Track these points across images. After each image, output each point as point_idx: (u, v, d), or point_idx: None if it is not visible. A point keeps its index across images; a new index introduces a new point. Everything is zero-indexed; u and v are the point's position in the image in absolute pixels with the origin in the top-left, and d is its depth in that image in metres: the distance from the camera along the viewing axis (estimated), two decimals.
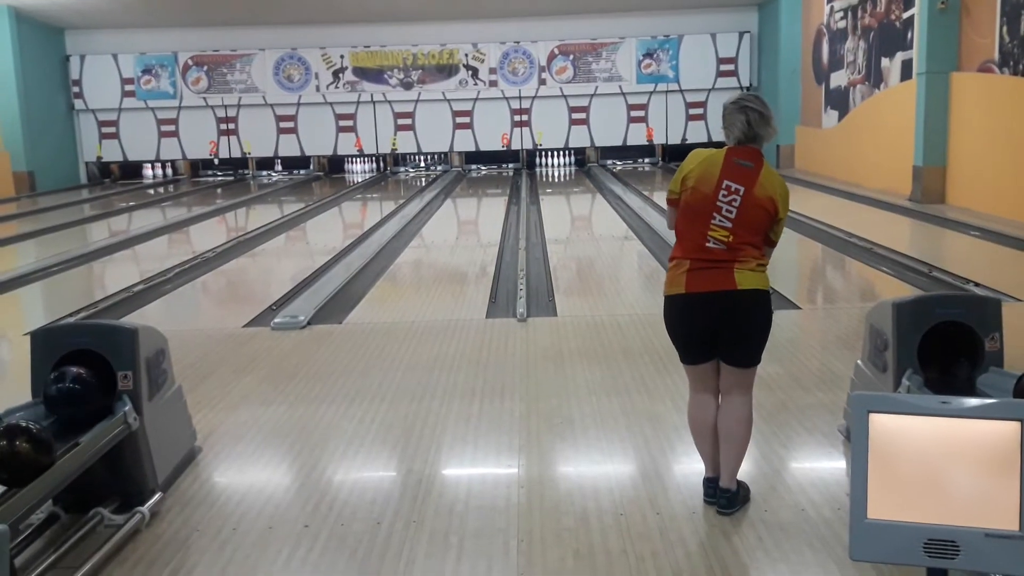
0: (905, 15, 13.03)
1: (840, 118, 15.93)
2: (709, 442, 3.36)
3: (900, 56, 13.27)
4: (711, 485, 3.36)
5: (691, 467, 3.75)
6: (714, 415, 3.33)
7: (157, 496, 3.46)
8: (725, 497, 3.28)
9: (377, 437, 4.24)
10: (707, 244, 3.16)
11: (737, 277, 3.14)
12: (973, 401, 1.92)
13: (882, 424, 1.93)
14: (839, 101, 16.01)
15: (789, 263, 9.30)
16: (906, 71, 12.98)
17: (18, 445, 2.73)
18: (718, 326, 3.21)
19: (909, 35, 12.83)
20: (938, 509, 1.88)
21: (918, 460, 1.90)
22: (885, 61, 13.91)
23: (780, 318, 6.31)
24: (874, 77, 14.40)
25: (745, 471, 3.50)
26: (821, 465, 3.85)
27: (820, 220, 10.63)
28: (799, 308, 6.69)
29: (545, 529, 3.25)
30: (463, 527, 3.28)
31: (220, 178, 21.00)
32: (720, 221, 3.15)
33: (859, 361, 4.04)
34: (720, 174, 3.18)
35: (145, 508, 3.33)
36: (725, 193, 3.15)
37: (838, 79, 16.09)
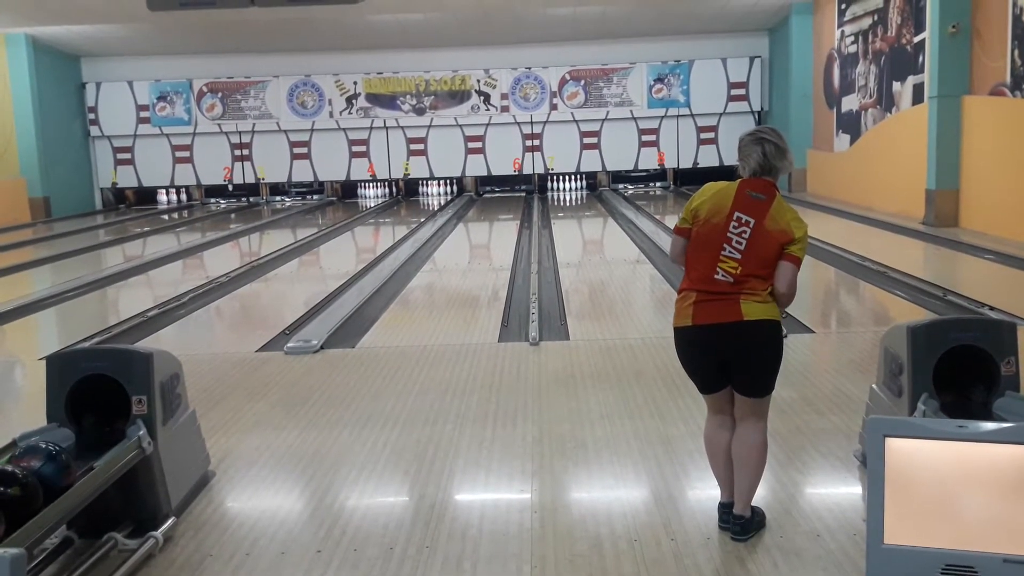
0: (916, 39, 13.06)
1: (852, 142, 15.93)
2: (723, 465, 3.34)
3: (912, 80, 13.29)
4: (726, 511, 3.33)
5: (705, 492, 3.72)
6: (729, 439, 3.31)
7: (171, 521, 3.46)
8: (739, 524, 3.26)
9: (390, 462, 4.23)
10: (715, 276, 3.15)
11: (744, 308, 3.12)
12: (990, 425, 1.92)
13: (898, 448, 1.93)
14: (851, 125, 16.02)
15: (802, 287, 9.23)
16: (918, 95, 12.99)
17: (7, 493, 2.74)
18: (727, 357, 3.21)
19: (920, 59, 12.85)
20: (955, 534, 1.86)
21: (935, 485, 1.89)
22: (896, 85, 13.92)
23: (794, 342, 6.30)
24: (886, 101, 14.41)
25: (760, 496, 3.48)
26: (837, 490, 3.82)
27: (833, 244, 10.60)
28: (813, 332, 6.66)
29: (559, 555, 3.23)
30: (476, 553, 3.26)
31: (231, 204, 21.11)
32: (730, 252, 3.14)
33: (874, 385, 4.01)
34: (732, 205, 3.18)
35: (159, 533, 3.33)
36: (736, 225, 3.15)
37: (849, 103, 16.10)
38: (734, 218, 3.15)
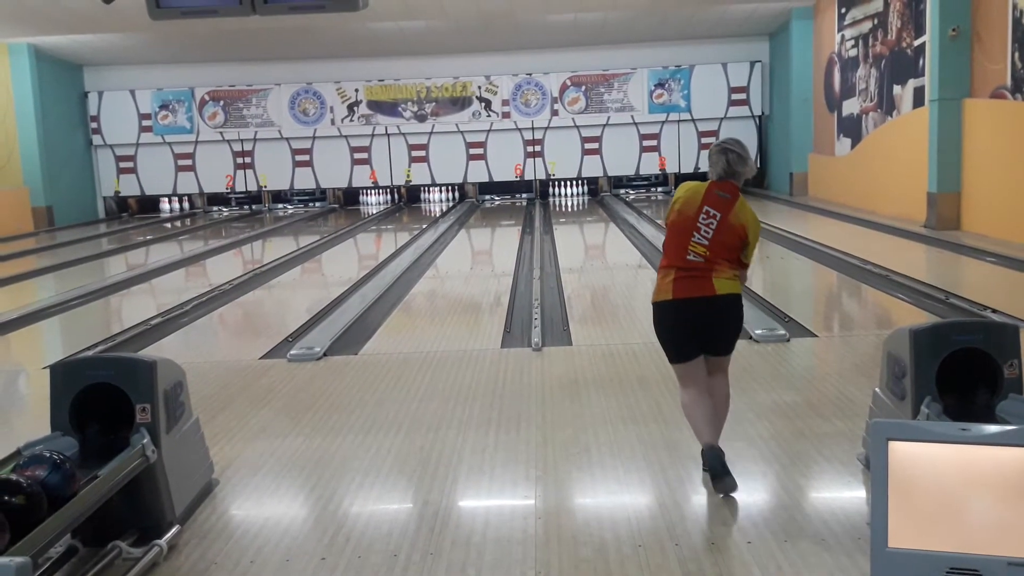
0: (916, 42, 13.07)
1: (853, 145, 15.94)
2: (704, 420, 3.83)
3: (912, 83, 13.30)
4: (711, 451, 3.75)
5: (710, 497, 3.73)
6: (705, 402, 3.84)
7: (175, 529, 3.47)
8: (718, 457, 3.72)
9: (393, 468, 4.24)
10: (688, 257, 3.75)
11: (715, 284, 3.73)
12: (993, 428, 1.92)
13: (902, 452, 1.93)
14: (852, 129, 16.03)
15: (805, 291, 9.28)
16: (918, 98, 13.00)
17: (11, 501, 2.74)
18: (701, 324, 3.80)
19: (921, 62, 12.87)
20: (959, 537, 1.87)
21: (938, 488, 1.89)
22: (897, 88, 13.93)
23: (796, 346, 6.30)
24: (886, 104, 14.42)
25: (764, 500, 3.52)
26: (840, 494, 3.82)
27: (835, 247, 10.61)
28: (816, 336, 6.66)
29: (563, 560, 3.23)
30: (480, 559, 3.26)
31: (233, 212, 21.15)
32: (699, 239, 3.74)
33: (877, 389, 4.01)
34: (702, 201, 3.78)
35: (163, 541, 3.33)
36: (704, 216, 3.75)
37: (850, 107, 16.12)
38: (703, 211, 3.75)
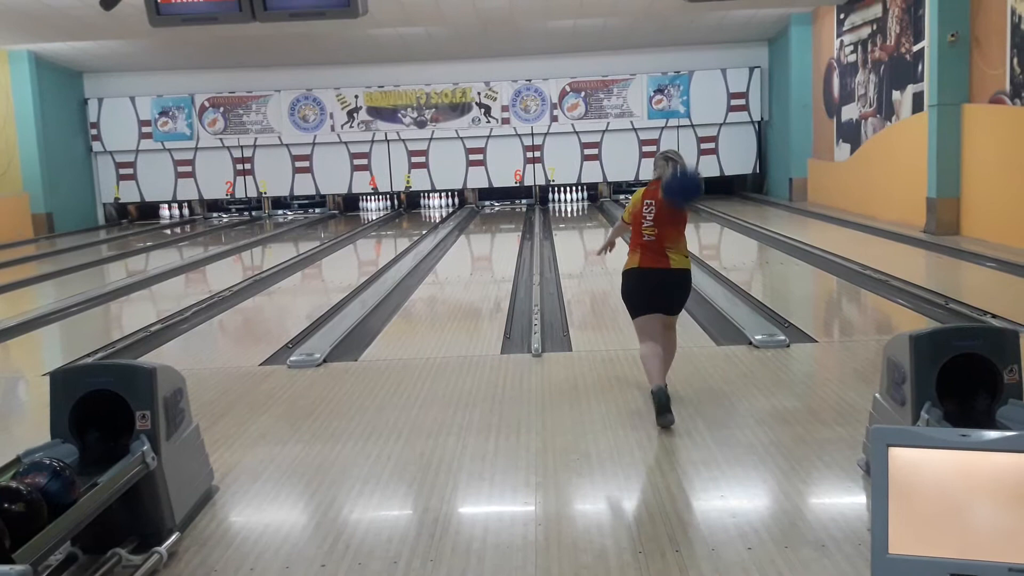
0: (915, 48, 13.10)
1: (852, 151, 15.96)
2: (655, 367, 4.84)
3: (911, 88, 13.32)
4: (660, 391, 4.71)
5: (710, 503, 3.73)
6: (659, 353, 4.90)
7: (175, 536, 3.46)
8: (665, 394, 4.70)
9: (393, 475, 4.23)
10: (644, 238, 4.98)
11: (671, 260, 4.94)
12: (993, 434, 1.92)
13: (902, 458, 1.93)
14: (851, 134, 16.05)
15: (805, 296, 9.28)
16: (917, 103, 13.02)
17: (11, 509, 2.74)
18: (657, 288, 4.98)
19: (920, 68, 12.89)
20: (960, 543, 1.86)
21: (939, 494, 1.89)
22: (896, 94, 13.96)
23: (796, 351, 6.30)
24: (885, 110, 14.44)
25: (764, 506, 3.53)
26: (841, 500, 3.81)
27: (834, 253, 10.61)
28: (815, 341, 6.66)
29: (563, 567, 3.23)
30: (480, 565, 3.26)
31: (233, 218, 21.18)
32: (647, 224, 4.96)
33: (877, 394, 4.01)
34: (643, 197, 5.05)
35: (163, 548, 3.33)
36: (645, 207, 4.99)
37: (849, 112, 16.14)
38: (644, 203, 5.01)
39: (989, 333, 3.78)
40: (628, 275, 5.08)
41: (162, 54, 18.90)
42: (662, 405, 4.64)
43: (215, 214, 21.53)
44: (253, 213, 21.45)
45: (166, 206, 21.74)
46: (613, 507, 3.79)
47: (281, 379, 6.11)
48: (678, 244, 4.98)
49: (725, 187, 20.74)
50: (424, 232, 16.28)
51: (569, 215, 19.29)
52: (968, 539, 1.86)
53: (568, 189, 21.29)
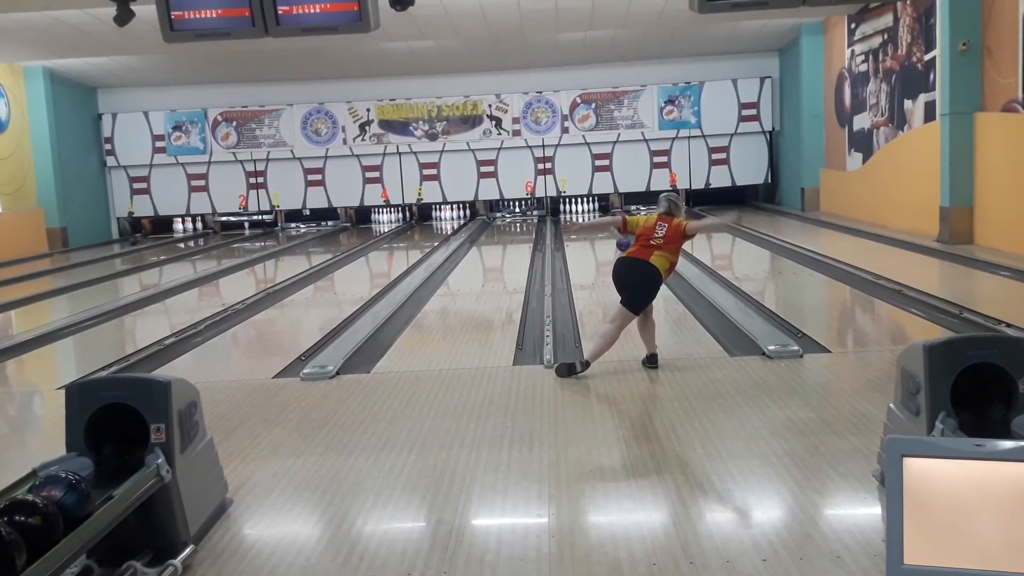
0: (927, 57, 13.07)
1: (864, 160, 15.92)
2: (644, 339, 6.21)
3: (923, 98, 13.29)
4: (652, 355, 6.19)
5: (724, 515, 3.72)
6: (643, 325, 6.20)
7: (189, 549, 3.47)
8: (655, 359, 6.17)
9: (407, 487, 4.23)
10: (651, 241, 5.98)
11: (651, 257, 5.95)
12: (1008, 444, 1.91)
13: (917, 468, 1.92)
14: (863, 143, 16.01)
15: (818, 306, 9.25)
16: (929, 112, 12.99)
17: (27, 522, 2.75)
18: (626, 274, 6.09)
19: (931, 76, 12.86)
20: (976, 554, 1.85)
21: (954, 504, 1.88)
22: (908, 103, 13.93)
23: (810, 362, 6.28)
24: (897, 119, 14.41)
25: (779, 517, 3.52)
26: (856, 511, 3.80)
27: (847, 263, 10.58)
28: (829, 352, 6.63)
29: None
30: None
31: (248, 231, 21.28)
32: (658, 236, 6.01)
33: (891, 405, 3.99)
34: (656, 221, 6.09)
35: (177, 561, 3.34)
36: (659, 226, 6.04)
37: (861, 121, 16.11)
38: (658, 224, 6.06)
39: (1004, 343, 3.75)
40: (619, 261, 6.23)
41: (176, 69, 19.05)
42: (653, 364, 6.18)
43: (229, 223, 21.58)
44: (266, 226, 21.52)
45: (179, 220, 21.86)
46: (626, 519, 3.78)
47: (294, 392, 6.13)
48: (669, 252, 5.99)
49: (737, 198, 20.73)
50: (436, 244, 16.31)
51: None
52: (983, 550, 1.85)
53: (579, 200, 21.31)
